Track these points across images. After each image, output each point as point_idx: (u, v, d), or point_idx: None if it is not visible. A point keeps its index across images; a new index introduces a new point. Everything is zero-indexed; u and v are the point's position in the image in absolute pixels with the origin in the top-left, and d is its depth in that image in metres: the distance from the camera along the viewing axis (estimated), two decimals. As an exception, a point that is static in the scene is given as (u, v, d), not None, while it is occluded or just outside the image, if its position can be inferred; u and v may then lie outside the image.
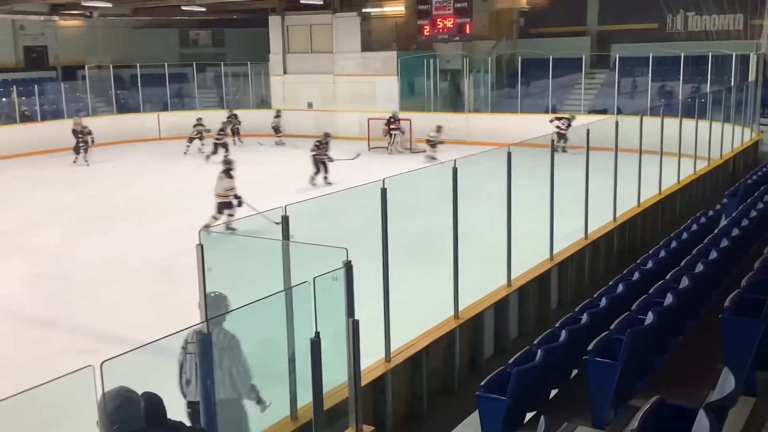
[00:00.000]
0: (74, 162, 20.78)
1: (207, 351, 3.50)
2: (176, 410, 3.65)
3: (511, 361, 4.95)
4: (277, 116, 24.48)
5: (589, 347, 4.79)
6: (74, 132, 21.24)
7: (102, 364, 2.62)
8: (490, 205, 8.66)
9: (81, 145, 20.94)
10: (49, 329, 8.96)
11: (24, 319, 9.32)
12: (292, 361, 4.31)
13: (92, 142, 20.93)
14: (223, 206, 12.45)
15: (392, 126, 22.31)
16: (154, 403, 3.18)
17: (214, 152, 20.36)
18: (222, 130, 21.53)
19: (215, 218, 12.12)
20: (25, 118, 24.17)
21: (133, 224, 13.85)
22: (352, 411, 4.18)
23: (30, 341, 8.54)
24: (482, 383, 4.73)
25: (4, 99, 24.49)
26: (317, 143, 16.97)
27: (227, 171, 12.98)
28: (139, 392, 3.21)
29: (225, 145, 20.46)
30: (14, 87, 24.39)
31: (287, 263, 4.50)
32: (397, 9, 26.74)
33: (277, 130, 24.20)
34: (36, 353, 8.01)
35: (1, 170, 19.58)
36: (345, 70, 26.19)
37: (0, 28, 26.99)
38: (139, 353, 3.03)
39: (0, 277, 10.74)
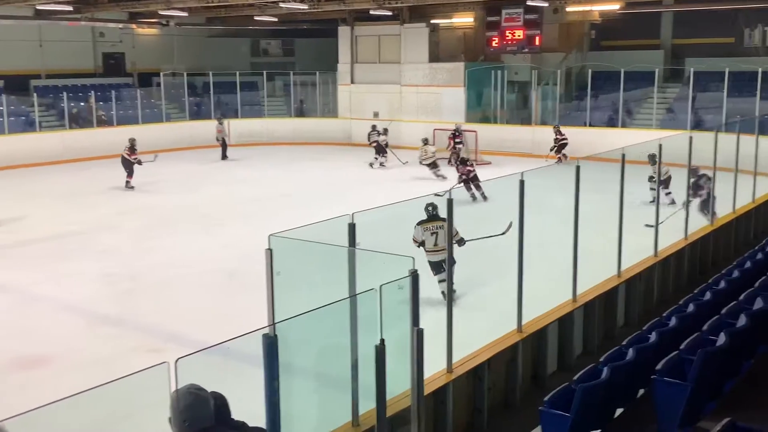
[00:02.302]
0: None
1: (273, 352, 3.56)
2: (237, 411, 3.72)
3: (575, 378, 4.86)
4: (383, 133, 22.65)
5: (658, 366, 4.68)
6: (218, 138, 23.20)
7: (176, 361, 2.69)
8: (557, 219, 8.55)
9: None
10: (119, 327, 9.23)
11: (96, 316, 9.63)
12: (355, 367, 4.34)
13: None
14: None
15: (456, 139, 22.31)
16: (221, 402, 3.25)
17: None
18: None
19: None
20: (102, 123, 25.03)
21: (200, 228, 14.19)
22: (414, 420, 4.18)
23: (101, 338, 8.82)
24: (546, 399, 4.66)
25: (82, 104, 25.39)
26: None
27: None
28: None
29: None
30: (92, 92, 25.27)
31: (353, 270, 4.53)
32: (466, 20, 26.72)
33: (381, 150, 22.08)
34: (106, 350, 8.28)
35: (77, 172, 20.32)
36: (412, 81, 26.28)
37: (81, 36, 28.10)
38: (205, 354, 3.10)
39: (74, 276, 11.13)
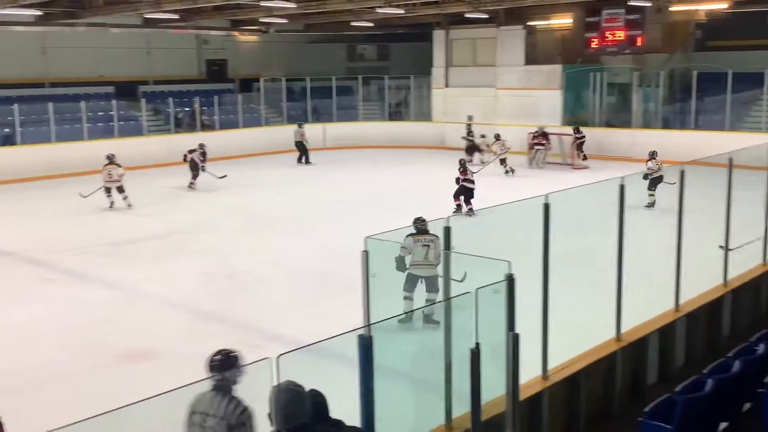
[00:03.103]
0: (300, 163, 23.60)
1: (368, 353, 3.60)
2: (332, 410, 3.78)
3: (678, 389, 4.69)
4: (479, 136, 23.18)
5: (766, 379, 4.46)
6: (297, 143, 23.78)
7: (278, 357, 2.76)
8: (658, 225, 8.27)
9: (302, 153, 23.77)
10: (218, 324, 9.54)
11: (196, 313, 9.98)
12: (448, 370, 4.33)
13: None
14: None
15: (536, 140, 22.03)
16: (319, 399, 3.31)
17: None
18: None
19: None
20: (205, 127, 25.96)
21: (294, 229, 14.50)
22: (509, 425, 4.14)
23: (202, 334, 9.12)
24: (646, 409, 4.52)
25: (187, 109, 26.40)
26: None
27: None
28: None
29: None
30: (197, 98, 26.25)
31: (447, 273, 4.53)
32: (564, 22, 26.22)
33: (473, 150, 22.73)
34: (206, 346, 8.46)
35: (181, 174, 21.07)
36: (507, 84, 26.00)
37: (186, 43, 29.25)
38: (302, 352, 3.16)
39: (176, 274, 11.58)
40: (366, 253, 4.23)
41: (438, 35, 27.66)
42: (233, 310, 10.01)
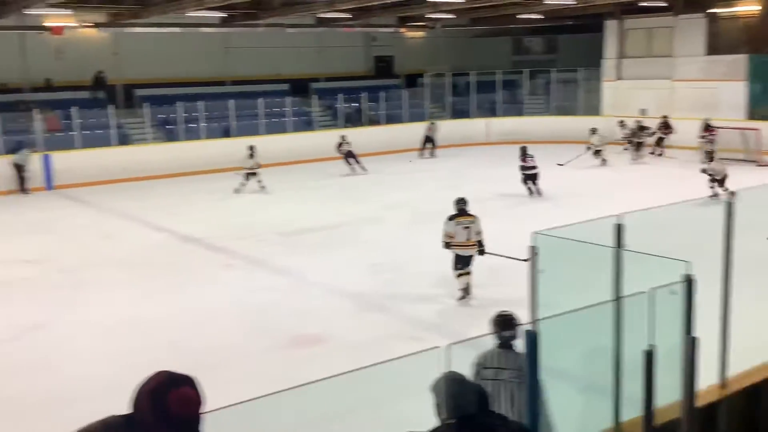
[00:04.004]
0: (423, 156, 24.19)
1: (534, 349, 3.57)
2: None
3: None
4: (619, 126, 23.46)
5: None
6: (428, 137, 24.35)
7: (448, 346, 2.81)
8: None
9: (427, 146, 24.38)
10: (383, 314, 9.80)
11: (362, 302, 10.31)
12: (618, 372, 4.20)
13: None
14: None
15: (704, 132, 20.93)
16: (482, 392, 3.34)
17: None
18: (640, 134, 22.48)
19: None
20: (371, 122, 26.66)
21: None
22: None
23: (367, 323, 9.43)
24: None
25: (354, 104, 27.23)
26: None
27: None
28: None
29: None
30: (364, 93, 27.00)
31: (619, 272, 4.38)
32: (751, 8, 24.35)
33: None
34: (372, 334, 8.83)
35: (347, 168, 21.81)
36: (685, 75, 24.59)
37: (356, 41, 30.17)
38: (466, 345, 3.20)
39: (343, 264, 11.99)
40: (533, 249, 4.19)
41: (610, 25, 26.63)
42: (397, 301, 10.24)
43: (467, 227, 9.66)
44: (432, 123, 25.24)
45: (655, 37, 25.80)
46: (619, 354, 4.22)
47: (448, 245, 9.64)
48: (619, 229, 4.61)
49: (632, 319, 4.10)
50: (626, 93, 26.18)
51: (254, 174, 18.66)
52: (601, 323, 4.20)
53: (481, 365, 4.65)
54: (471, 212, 9.88)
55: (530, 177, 17.00)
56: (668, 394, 4.20)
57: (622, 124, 23.47)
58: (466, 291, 9.72)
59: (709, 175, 15.47)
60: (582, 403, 4.74)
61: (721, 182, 15.22)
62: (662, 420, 4.06)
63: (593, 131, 21.50)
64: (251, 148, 18.78)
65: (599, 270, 5.36)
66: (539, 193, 16.92)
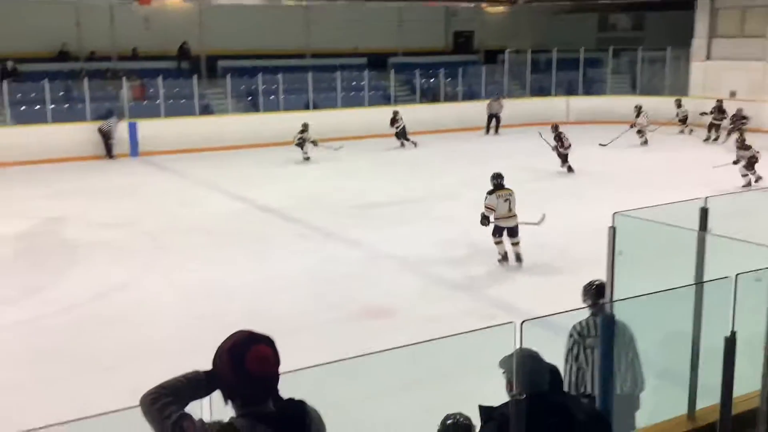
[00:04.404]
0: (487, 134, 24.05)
1: (610, 330, 3.50)
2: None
3: None
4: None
5: None
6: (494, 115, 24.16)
7: (522, 323, 2.80)
8: None
9: (491, 125, 23.96)
10: (453, 291, 9.81)
11: (433, 277, 10.34)
12: (695, 358, 4.09)
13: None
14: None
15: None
16: (555, 372, 3.31)
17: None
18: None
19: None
20: (448, 98, 26.46)
21: (535, 202, 14.32)
22: (762, 424, 3.83)
23: (437, 298, 9.46)
24: None
25: (432, 80, 27.05)
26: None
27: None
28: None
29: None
30: (442, 69, 26.78)
31: (701, 256, 4.25)
32: None
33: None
34: (440, 310, 8.84)
35: (423, 143, 21.76)
36: (781, 57, 23.46)
37: (435, 15, 29.89)
38: (538, 324, 3.15)
39: (415, 238, 12.00)
40: (613, 230, 4.10)
41: (702, 3, 25.54)
42: (469, 278, 10.23)
43: (507, 200, 10.45)
44: (494, 98, 24.81)
45: (748, 16, 24.63)
46: (697, 340, 4.11)
47: (485, 219, 10.40)
48: (703, 213, 4.47)
49: (713, 305, 3.98)
50: (716, 74, 25.15)
51: (301, 145, 19.19)
52: (680, 308, 4.09)
53: (582, 335, 4.76)
54: (507, 186, 10.72)
55: (563, 157, 17.49)
56: (747, 384, 4.07)
57: (678, 104, 23.08)
58: (505, 257, 10.63)
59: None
60: (656, 388, 4.65)
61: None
62: (740, 410, 3.94)
63: (638, 110, 21.42)
64: (304, 125, 19.29)
65: (676, 254, 5.22)
66: (570, 170, 17.40)
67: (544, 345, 3.91)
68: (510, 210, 10.48)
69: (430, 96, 26.52)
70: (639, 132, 21.07)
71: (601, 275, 4.65)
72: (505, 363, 3.20)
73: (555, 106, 26.45)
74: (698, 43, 25.83)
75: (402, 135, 21.53)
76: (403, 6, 27.45)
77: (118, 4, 23.31)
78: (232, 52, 25.34)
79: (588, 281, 5.22)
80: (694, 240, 4.39)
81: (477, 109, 25.11)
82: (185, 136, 21.17)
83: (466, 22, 30.87)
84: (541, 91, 27.70)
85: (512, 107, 25.55)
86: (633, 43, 28.46)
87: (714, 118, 21.92)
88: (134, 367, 7.25)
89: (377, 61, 27.53)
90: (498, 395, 3.17)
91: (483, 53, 30.55)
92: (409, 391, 5.79)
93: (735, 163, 15.32)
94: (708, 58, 25.57)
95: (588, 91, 27.42)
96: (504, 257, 10.64)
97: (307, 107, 23.86)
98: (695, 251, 4.31)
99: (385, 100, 25.89)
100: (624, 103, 25.90)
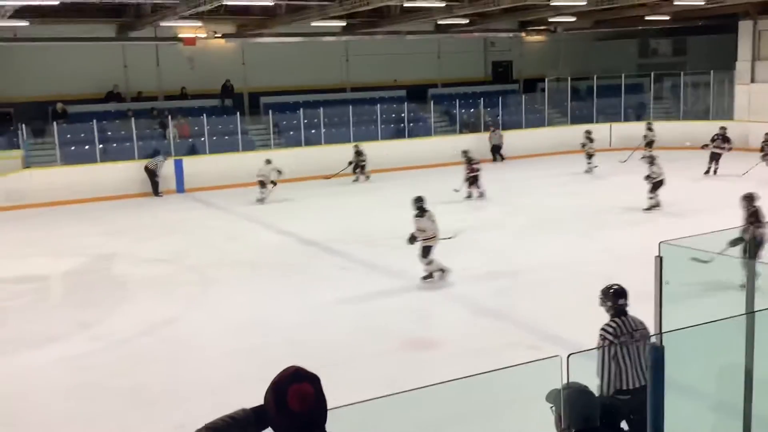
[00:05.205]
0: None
1: (659, 363, 3.45)
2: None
3: None
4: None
5: None
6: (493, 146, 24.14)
7: (568, 356, 2.77)
8: None
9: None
10: (499, 321, 9.70)
11: (478, 309, 10.24)
12: (749, 390, 3.99)
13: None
14: None
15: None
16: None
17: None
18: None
19: None
20: (488, 128, 26.46)
21: (580, 230, 14.21)
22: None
23: (484, 330, 9.36)
24: None
25: (472, 110, 27.10)
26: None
27: None
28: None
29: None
30: (481, 99, 26.83)
31: (752, 284, 4.16)
32: None
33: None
34: (486, 342, 8.76)
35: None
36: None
37: (473, 46, 30.07)
38: (585, 356, 3.12)
39: (459, 269, 11.89)
40: (660, 259, 4.04)
41: (744, 26, 25.23)
42: (514, 308, 10.12)
43: (433, 220, 11.25)
44: (492, 131, 24.75)
45: (793, 38, 24.28)
46: (750, 372, 4.01)
47: (414, 239, 11.19)
48: (753, 242, 4.39)
49: (765, 335, 3.89)
50: (761, 97, 24.72)
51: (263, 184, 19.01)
52: (730, 338, 4.00)
53: (616, 335, 5.10)
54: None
55: (474, 180, 18.20)
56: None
57: (649, 127, 23.34)
58: (431, 275, 11.30)
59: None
60: (708, 421, 4.53)
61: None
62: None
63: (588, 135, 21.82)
64: (268, 161, 19.32)
65: (728, 282, 5.12)
66: (481, 195, 18.14)
67: (592, 378, 3.86)
68: (435, 230, 11.29)
69: (471, 126, 26.54)
70: (588, 155, 21.47)
71: (648, 305, 4.58)
72: (552, 397, 3.15)
73: (598, 132, 26.16)
74: (742, 66, 25.48)
75: (360, 168, 21.70)
76: (441, 38, 27.67)
77: (164, 46, 23.97)
78: (273, 89, 25.80)
79: (606, 285, 5.70)
80: (741, 267, 4.31)
81: (518, 138, 25.10)
82: (229, 172, 21.52)
83: (505, 51, 30.97)
84: (581, 118, 27.54)
85: (553, 135, 25.45)
86: (675, 68, 28.18)
87: (716, 146, 20.28)
88: (180, 402, 7.33)
89: (417, 93, 27.73)
90: (544, 429, 3.13)
91: (522, 82, 30.55)
92: (455, 425, 5.73)
93: None
94: (752, 81, 25.17)
95: (629, 117, 27.13)
96: (431, 276, 11.28)
97: (347, 140, 24.10)
98: (743, 279, 4.22)
99: (426, 131, 26.00)
100: (668, 129, 25.65)
